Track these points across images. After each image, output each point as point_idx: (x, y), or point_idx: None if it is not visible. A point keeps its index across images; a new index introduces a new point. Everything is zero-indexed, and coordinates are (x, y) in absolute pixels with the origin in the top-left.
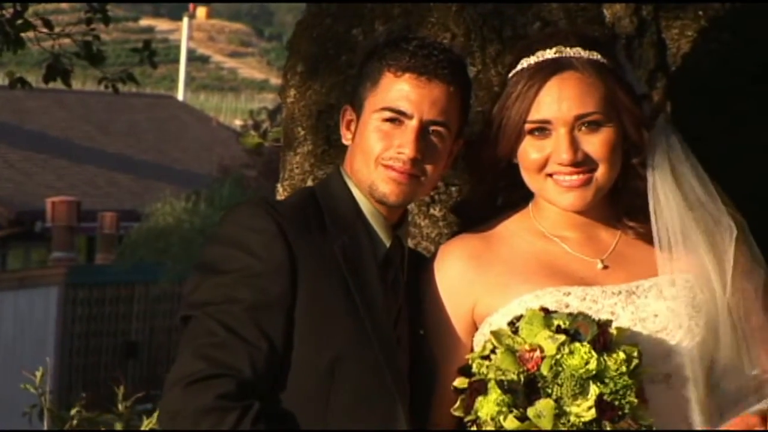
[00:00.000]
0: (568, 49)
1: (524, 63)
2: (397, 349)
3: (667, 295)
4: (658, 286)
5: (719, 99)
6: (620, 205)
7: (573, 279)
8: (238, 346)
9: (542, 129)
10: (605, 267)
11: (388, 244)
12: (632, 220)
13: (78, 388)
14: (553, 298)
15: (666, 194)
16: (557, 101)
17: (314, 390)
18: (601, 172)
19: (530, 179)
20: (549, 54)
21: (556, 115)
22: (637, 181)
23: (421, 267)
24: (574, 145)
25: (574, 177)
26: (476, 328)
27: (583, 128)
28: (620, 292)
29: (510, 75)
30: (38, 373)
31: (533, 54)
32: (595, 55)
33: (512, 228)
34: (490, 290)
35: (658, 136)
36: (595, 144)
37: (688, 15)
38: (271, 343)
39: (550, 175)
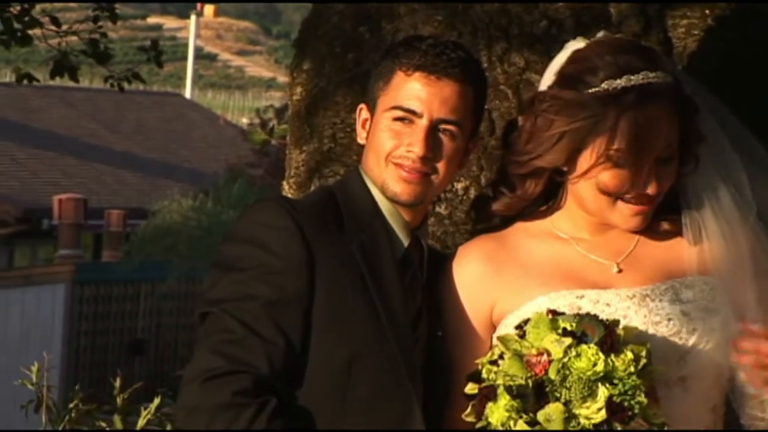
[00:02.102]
0: (651, 74)
1: (608, 85)
2: (414, 347)
3: (683, 297)
4: (674, 289)
5: (726, 98)
6: None
7: (587, 282)
8: (255, 342)
9: (627, 157)
10: (620, 270)
11: (406, 244)
12: (661, 217)
13: (84, 385)
14: (566, 301)
15: (699, 193)
16: (649, 137)
17: (331, 387)
18: (661, 197)
19: (596, 200)
20: (637, 79)
21: (649, 150)
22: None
23: (440, 267)
24: (658, 178)
25: (645, 203)
26: (495, 330)
27: (662, 158)
28: (634, 296)
29: (589, 91)
30: (34, 368)
31: (619, 76)
32: (670, 79)
33: (530, 229)
34: (508, 293)
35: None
36: (667, 175)
37: (695, 14)
38: (288, 340)
39: (619, 198)
